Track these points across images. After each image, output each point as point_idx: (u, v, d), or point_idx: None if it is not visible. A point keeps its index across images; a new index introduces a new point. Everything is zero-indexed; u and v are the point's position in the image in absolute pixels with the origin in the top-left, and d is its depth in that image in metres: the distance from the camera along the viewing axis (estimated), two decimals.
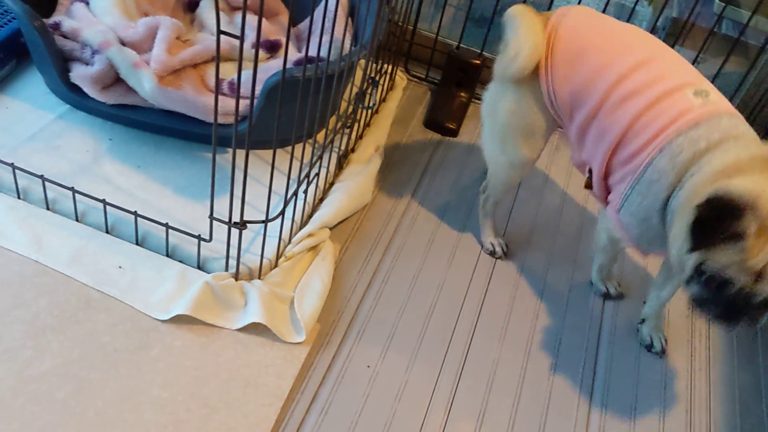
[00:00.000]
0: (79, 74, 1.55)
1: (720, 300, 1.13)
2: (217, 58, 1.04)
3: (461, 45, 2.05)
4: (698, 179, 1.15)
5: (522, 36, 1.34)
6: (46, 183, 1.41)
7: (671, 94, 1.21)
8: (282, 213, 1.39)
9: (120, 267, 1.38)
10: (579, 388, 1.41)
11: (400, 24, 1.92)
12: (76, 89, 1.57)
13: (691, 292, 1.18)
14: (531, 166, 1.52)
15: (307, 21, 1.76)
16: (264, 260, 1.40)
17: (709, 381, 1.49)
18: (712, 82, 1.91)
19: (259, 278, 1.41)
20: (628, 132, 1.24)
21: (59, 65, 1.57)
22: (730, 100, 1.98)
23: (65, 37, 1.63)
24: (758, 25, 1.96)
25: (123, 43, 1.63)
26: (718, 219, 1.07)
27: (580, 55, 1.31)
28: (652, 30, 2.06)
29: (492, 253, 1.64)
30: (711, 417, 1.42)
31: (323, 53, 1.40)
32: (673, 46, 2.20)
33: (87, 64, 1.59)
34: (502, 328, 1.48)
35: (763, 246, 1.05)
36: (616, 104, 1.26)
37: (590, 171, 1.36)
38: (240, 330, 1.34)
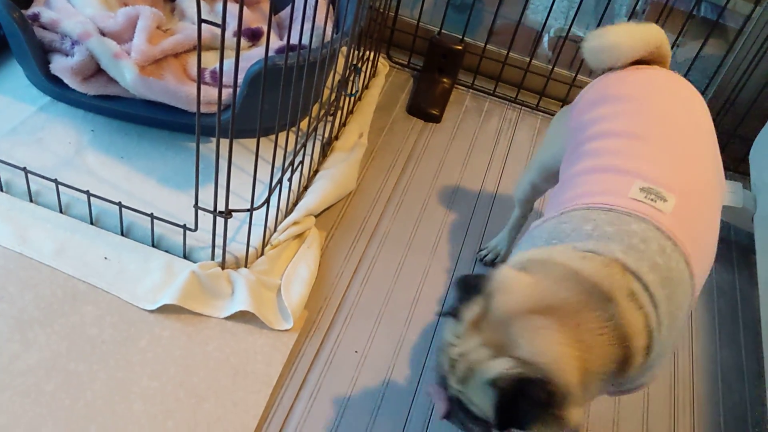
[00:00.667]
0: (59, 65, 1.54)
1: None
2: (199, 47, 1.04)
3: (443, 31, 2.06)
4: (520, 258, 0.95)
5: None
6: (29, 175, 1.41)
7: (616, 174, 1.02)
8: (267, 201, 1.39)
9: (106, 258, 1.38)
10: None
11: (381, 11, 1.92)
12: (56, 81, 1.56)
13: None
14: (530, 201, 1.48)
15: (288, 9, 1.76)
16: (250, 249, 1.41)
17: (692, 359, 1.51)
18: (691, 66, 1.95)
19: (246, 267, 1.41)
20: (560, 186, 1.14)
21: (39, 57, 1.56)
22: (708, 83, 2.02)
23: (44, 28, 1.61)
24: (736, 7, 1.98)
25: (103, 34, 1.61)
26: (462, 290, 0.92)
27: (599, 101, 1.17)
28: (631, 15, 2.08)
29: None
30: (694, 393, 1.44)
31: (305, 41, 1.40)
32: None
33: (67, 55, 1.57)
34: None
35: (470, 334, 0.88)
36: (576, 153, 1.13)
37: None
38: (228, 318, 1.34)
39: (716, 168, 1.08)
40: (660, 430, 1.37)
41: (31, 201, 1.44)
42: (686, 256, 0.93)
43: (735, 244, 1.82)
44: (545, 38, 2.32)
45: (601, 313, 0.85)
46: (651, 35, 1.21)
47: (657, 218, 0.94)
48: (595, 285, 0.86)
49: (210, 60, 1.70)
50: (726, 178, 1.93)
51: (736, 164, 2.04)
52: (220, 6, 1.87)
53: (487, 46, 2.07)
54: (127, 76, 1.52)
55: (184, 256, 1.41)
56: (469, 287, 0.91)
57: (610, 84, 1.19)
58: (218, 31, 1.01)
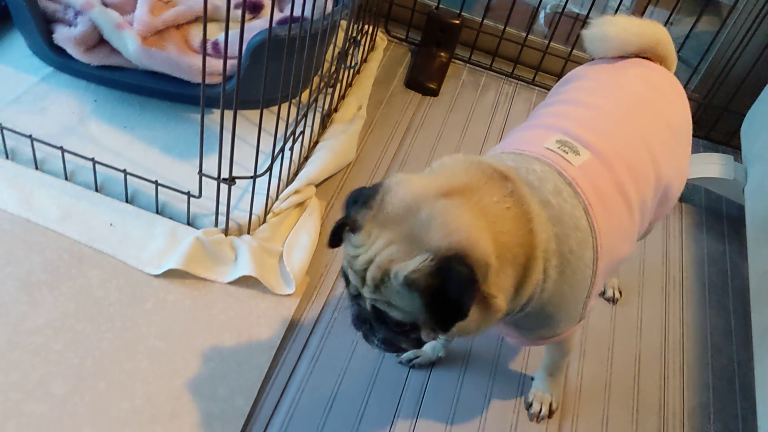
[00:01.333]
0: (62, 36, 1.56)
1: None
2: (204, 18, 1.06)
3: (440, 5, 2.08)
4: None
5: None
6: (35, 143, 1.43)
7: (544, 129, 1.05)
8: (269, 169, 1.42)
9: (111, 224, 1.40)
10: None
11: None
12: (59, 51, 1.58)
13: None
14: None
15: None
16: (252, 216, 1.44)
17: (683, 324, 1.55)
18: (684, 42, 1.97)
19: (249, 233, 1.44)
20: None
21: (42, 27, 1.58)
22: (701, 59, 2.04)
23: None
24: None
25: (105, 4, 1.63)
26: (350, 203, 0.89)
27: (569, 80, 1.23)
28: None
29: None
30: (684, 357, 1.49)
31: (306, 13, 1.42)
32: (646, 7, 2.26)
33: (70, 25, 1.59)
34: None
35: (374, 236, 0.85)
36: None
37: None
38: (231, 283, 1.37)
39: (661, 160, 1.07)
40: (650, 391, 1.41)
41: (36, 168, 1.46)
42: (587, 205, 0.93)
43: (726, 216, 1.85)
44: (542, 14, 2.34)
45: (502, 188, 0.86)
46: (647, 31, 1.21)
47: (562, 165, 0.95)
48: (494, 168, 0.88)
49: (212, 31, 1.72)
50: (719, 152, 1.97)
51: (728, 138, 2.08)
52: None
53: (485, 20, 2.09)
54: (130, 46, 1.54)
55: (188, 223, 1.44)
56: (359, 197, 0.87)
57: (587, 68, 1.23)
58: (219, 2, 1.03)
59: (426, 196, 0.83)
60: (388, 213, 0.83)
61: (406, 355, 1.32)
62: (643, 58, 1.22)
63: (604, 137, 1.02)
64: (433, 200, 0.83)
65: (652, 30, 1.21)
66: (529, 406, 1.32)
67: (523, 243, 0.86)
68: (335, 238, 0.89)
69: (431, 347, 1.34)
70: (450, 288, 0.79)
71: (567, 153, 0.97)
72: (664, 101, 1.15)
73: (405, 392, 1.30)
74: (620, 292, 1.55)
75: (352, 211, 0.86)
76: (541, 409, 1.31)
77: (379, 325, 0.91)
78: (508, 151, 1.00)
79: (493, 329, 0.98)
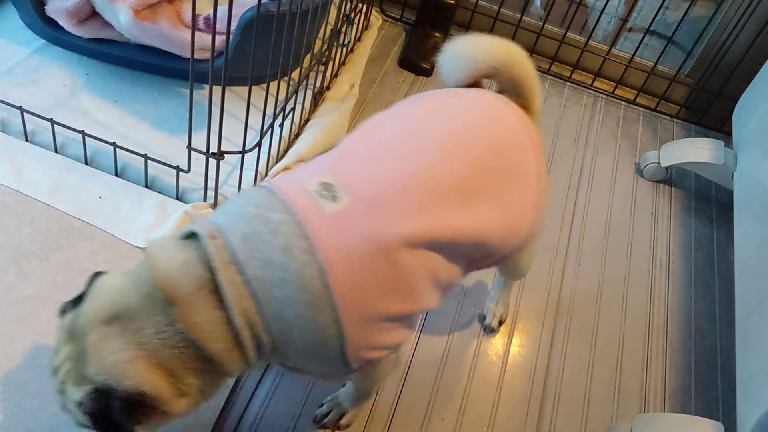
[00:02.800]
0: (54, 8, 1.56)
1: None
2: None
3: None
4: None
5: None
6: (25, 115, 1.43)
7: (321, 164, 0.95)
8: (258, 144, 1.42)
9: (100, 197, 1.41)
10: (540, 328, 1.48)
11: None
12: (52, 23, 1.58)
13: None
14: None
15: None
16: (241, 191, 1.44)
17: (667, 308, 1.57)
18: (677, 26, 1.97)
19: None
20: None
21: None
22: (695, 44, 2.04)
23: None
24: None
25: None
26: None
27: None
28: None
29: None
30: (667, 340, 1.50)
31: None
32: None
33: None
34: None
35: (61, 347, 0.89)
36: None
37: None
38: None
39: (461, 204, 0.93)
40: (633, 372, 1.43)
41: (26, 140, 1.47)
42: (325, 263, 0.83)
43: (715, 201, 1.86)
44: None
45: (161, 318, 0.83)
46: (499, 48, 1.07)
47: (307, 214, 0.85)
48: (162, 289, 0.83)
49: (203, 6, 1.71)
50: (710, 137, 1.97)
51: (720, 124, 2.08)
52: None
53: (479, 1, 2.09)
54: (122, 19, 1.53)
55: (177, 197, 1.44)
56: (87, 287, 0.91)
57: (415, 96, 1.08)
58: None
59: (96, 319, 0.85)
60: (76, 324, 0.87)
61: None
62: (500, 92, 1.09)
63: (380, 182, 0.90)
64: (98, 327, 0.84)
65: (505, 47, 1.07)
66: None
67: (200, 357, 0.85)
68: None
69: None
70: (113, 413, 0.83)
71: (324, 198, 0.87)
72: (485, 143, 0.98)
73: None
74: (500, 323, 1.42)
75: (72, 303, 0.91)
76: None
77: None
78: (266, 187, 0.90)
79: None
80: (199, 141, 1.31)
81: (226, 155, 1.33)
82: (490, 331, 1.41)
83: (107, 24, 1.57)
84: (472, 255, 0.98)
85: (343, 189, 0.88)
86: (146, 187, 1.45)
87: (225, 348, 0.85)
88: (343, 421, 1.20)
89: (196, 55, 1.19)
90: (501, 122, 1.02)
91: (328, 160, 0.96)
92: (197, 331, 0.83)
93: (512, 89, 1.08)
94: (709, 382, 1.45)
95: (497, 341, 1.41)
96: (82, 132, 1.40)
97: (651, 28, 2.09)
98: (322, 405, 1.22)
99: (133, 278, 0.87)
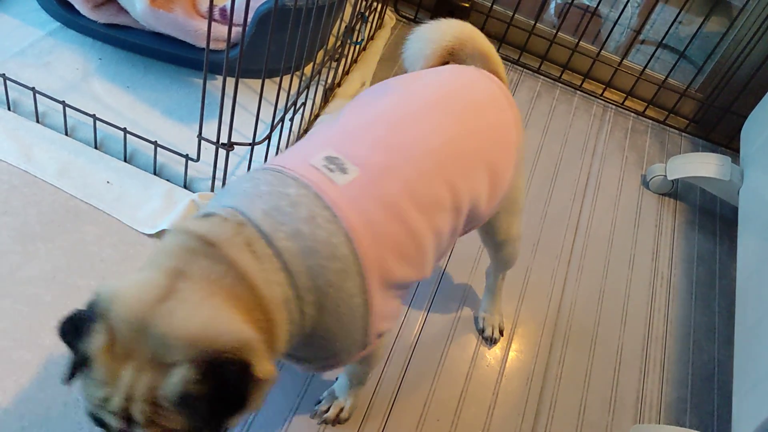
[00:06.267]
0: None
1: None
2: None
3: None
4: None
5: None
6: (37, 96, 1.43)
7: (317, 142, 0.94)
8: (268, 137, 1.43)
9: (108, 182, 1.41)
10: (540, 334, 1.49)
11: None
12: (67, 6, 1.58)
13: None
14: None
15: None
16: None
17: (667, 320, 1.57)
18: (690, 42, 1.97)
19: None
20: None
21: None
22: (706, 60, 2.05)
23: None
24: None
25: None
26: (71, 335, 0.76)
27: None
28: None
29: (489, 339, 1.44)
30: (665, 352, 1.51)
31: None
32: (656, 4, 2.25)
33: None
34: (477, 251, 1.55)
35: (117, 369, 0.72)
36: None
37: None
38: None
39: (458, 173, 0.96)
40: (630, 383, 1.43)
41: (37, 121, 1.47)
42: (350, 230, 0.84)
43: (720, 217, 1.87)
44: (552, 4, 2.34)
45: (211, 259, 0.77)
46: (457, 26, 1.15)
47: (322, 186, 0.85)
48: (198, 239, 0.79)
49: None
50: (717, 153, 1.97)
51: (728, 140, 2.09)
52: None
53: (494, 5, 2.09)
54: (138, 6, 1.54)
55: (185, 186, 1.45)
56: (80, 326, 0.75)
57: (392, 79, 1.11)
58: None
59: (146, 307, 0.73)
60: (122, 339, 0.72)
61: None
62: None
63: (381, 151, 0.92)
64: (156, 308, 0.73)
65: (459, 23, 1.15)
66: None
67: (255, 303, 0.78)
68: (72, 378, 0.76)
69: None
70: (226, 388, 0.72)
71: (333, 172, 0.87)
72: (468, 106, 1.04)
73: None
74: (501, 332, 1.43)
75: (81, 346, 0.73)
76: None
77: None
78: (269, 167, 0.90)
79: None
80: (209, 131, 1.31)
81: (235, 146, 1.33)
82: (492, 342, 1.41)
83: (123, 10, 1.58)
84: (467, 216, 1.00)
85: (350, 161, 0.89)
86: (154, 174, 1.45)
87: (277, 303, 0.80)
88: (342, 414, 1.21)
89: (211, 46, 1.20)
90: (480, 87, 1.07)
91: (324, 136, 0.95)
92: (253, 279, 0.78)
93: (478, 62, 1.15)
94: (705, 396, 1.45)
95: (496, 345, 1.42)
96: (93, 116, 1.40)
97: (663, 42, 2.09)
98: (319, 401, 1.23)
99: (159, 256, 0.80)
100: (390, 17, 2.12)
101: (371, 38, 2.00)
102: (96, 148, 1.46)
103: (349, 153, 0.90)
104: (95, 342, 0.72)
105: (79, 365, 0.74)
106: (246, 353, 0.73)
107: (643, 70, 2.07)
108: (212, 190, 1.43)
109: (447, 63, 1.17)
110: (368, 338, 0.91)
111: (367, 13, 1.84)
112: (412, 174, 0.91)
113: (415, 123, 0.97)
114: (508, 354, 1.41)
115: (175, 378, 0.71)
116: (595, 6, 1.98)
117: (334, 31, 1.75)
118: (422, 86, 1.05)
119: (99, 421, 0.75)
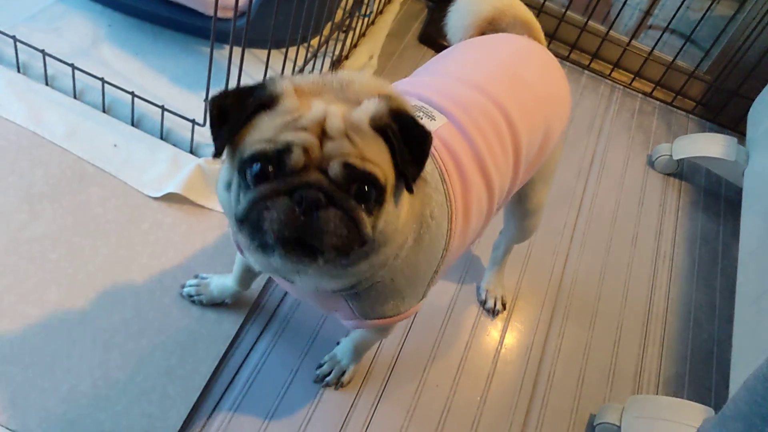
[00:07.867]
0: None
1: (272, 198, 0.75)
2: None
3: None
4: None
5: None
6: (47, 59, 1.44)
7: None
8: None
9: (115, 145, 1.42)
10: (540, 307, 1.49)
11: None
12: None
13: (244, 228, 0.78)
14: None
15: None
16: None
17: (668, 298, 1.57)
18: (697, 25, 1.96)
19: None
20: None
21: None
22: (714, 43, 2.03)
23: None
24: None
25: None
26: (237, 97, 0.78)
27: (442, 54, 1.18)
28: None
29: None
30: (665, 329, 1.51)
31: None
32: None
33: None
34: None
35: (308, 102, 0.77)
36: None
37: None
38: None
39: (518, 123, 1.01)
40: (629, 358, 1.44)
41: (46, 84, 1.48)
42: (443, 170, 0.90)
43: (724, 198, 1.87)
44: None
45: None
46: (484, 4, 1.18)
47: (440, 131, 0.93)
48: None
49: None
50: (723, 134, 1.96)
51: (735, 123, 2.08)
52: None
53: None
54: None
55: (191, 151, 1.45)
56: (255, 90, 0.77)
57: (455, 45, 1.18)
58: None
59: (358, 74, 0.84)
60: (316, 83, 0.80)
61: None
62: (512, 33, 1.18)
63: (459, 103, 0.97)
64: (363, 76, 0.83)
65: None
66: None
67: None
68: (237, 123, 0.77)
69: (219, 289, 1.25)
70: (409, 130, 0.77)
71: (422, 118, 0.93)
72: (523, 66, 1.09)
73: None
74: (504, 305, 1.44)
75: (258, 93, 0.76)
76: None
77: (327, 210, 0.74)
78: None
79: (330, 305, 0.95)
80: None
81: None
82: (494, 314, 1.42)
83: None
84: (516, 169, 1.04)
85: (436, 110, 0.95)
86: (161, 138, 1.46)
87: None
88: (344, 378, 1.23)
89: (219, 14, 1.20)
90: (540, 56, 1.12)
91: (400, 90, 0.93)
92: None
93: (518, 29, 1.17)
94: (703, 372, 1.46)
95: (497, 317, 1.42)
96: (101, 79, 1.41)
97: (671, 26, 2.08)
98: (321, 365, 1.24)
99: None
100: None
101: (380, 12, 1.99)
102: (104, 111, 1.47)
103: (432, 103, 0.96)
104: (283, 84, 0.77)
105: (263, 104, 0.76)
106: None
107: (652, 50, 2.06)
108: None
109: (484, 33, 1.19)
110: (427, 290, 0.97)
111: None
112: (486, 123, 0.97)
113: (490, 82, 1.01)
114: (508, 325, 1.42)
115: (370, 105, 0.76)
116: None
117: (343, 3, 1.75)
118: (485, 48, 1.11)
119: (272, 160, 0.74)
